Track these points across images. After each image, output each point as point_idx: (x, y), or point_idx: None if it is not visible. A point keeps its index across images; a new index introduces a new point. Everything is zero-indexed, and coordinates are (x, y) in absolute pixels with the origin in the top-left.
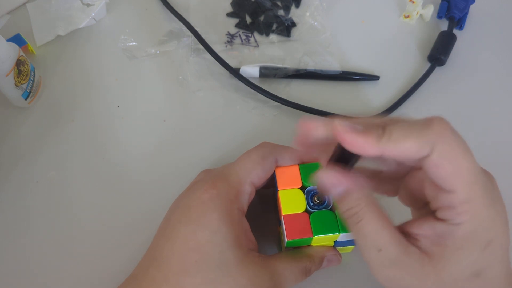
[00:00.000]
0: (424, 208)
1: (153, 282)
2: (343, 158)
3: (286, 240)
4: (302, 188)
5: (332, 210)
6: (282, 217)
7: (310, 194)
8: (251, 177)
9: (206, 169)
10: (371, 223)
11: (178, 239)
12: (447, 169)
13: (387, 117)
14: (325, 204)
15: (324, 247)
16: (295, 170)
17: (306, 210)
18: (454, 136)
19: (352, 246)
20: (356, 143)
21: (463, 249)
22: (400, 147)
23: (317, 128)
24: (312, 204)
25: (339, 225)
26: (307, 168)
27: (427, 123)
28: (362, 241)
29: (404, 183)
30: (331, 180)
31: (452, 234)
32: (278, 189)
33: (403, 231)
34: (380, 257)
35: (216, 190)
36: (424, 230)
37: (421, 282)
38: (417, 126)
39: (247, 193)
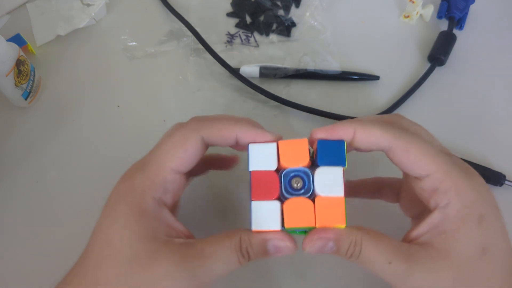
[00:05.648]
0: (421, 217)
1: (75, 275)
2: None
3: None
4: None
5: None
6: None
7: (288, 177)
8: (172, 163)
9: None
10: (371, 248)
11: (94, 233)
12: (414, 152)
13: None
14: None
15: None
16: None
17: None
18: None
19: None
20: (333, 131)
21: (460, 228)
22: (368, 134)
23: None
24: (290, 189)
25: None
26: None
27: (386, 119)
28: (373, 267)
29: (404, 188)
30: (318, 245)
31: (446, 218)
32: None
33: (406, 241)
34: (392, 269)
35: (131, 181)
36: (422, 229)
37: (439, 276)
38: (380, 120)
39: (167, 182)
